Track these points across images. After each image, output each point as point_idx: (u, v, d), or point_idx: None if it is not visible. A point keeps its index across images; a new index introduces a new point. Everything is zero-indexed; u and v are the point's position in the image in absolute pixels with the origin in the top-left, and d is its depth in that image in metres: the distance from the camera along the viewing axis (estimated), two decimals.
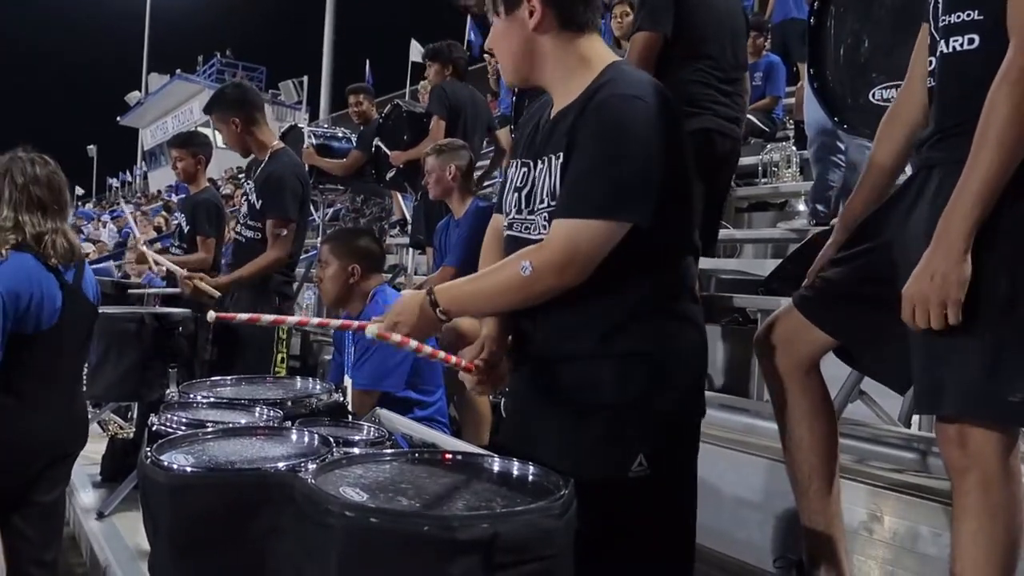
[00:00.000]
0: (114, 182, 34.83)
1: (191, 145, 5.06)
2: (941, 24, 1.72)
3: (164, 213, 13.17)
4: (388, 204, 7.04)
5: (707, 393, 1.78)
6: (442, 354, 1.68)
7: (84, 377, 3.25)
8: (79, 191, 30.90)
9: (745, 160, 6.31)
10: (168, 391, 3.62)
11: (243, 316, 1.69)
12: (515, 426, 1.87)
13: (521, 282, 1.57)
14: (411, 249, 6.72)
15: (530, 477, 1.43)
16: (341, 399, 2.11)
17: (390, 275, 6.44)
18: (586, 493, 1.38)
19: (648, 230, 1.58)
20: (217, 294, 3.74)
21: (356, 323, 1.68)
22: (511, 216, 1.77)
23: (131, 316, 3.52)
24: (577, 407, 1.65)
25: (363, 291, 3.17)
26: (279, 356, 3.89)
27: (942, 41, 1.71)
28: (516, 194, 1.76)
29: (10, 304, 2.60)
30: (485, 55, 7.46)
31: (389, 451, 1.51)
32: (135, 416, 4.46)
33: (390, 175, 5.85)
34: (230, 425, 1.68)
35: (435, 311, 1.62)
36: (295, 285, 4.33)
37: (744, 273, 4.91)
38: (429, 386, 3.09)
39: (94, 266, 8.48)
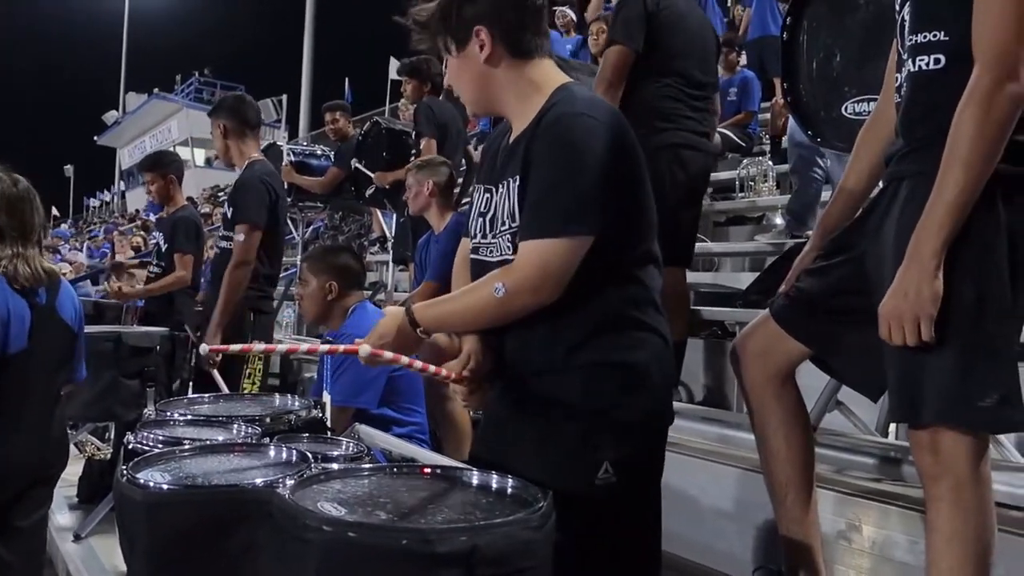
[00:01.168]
0: (92, 202, 34.56)
1: (159, 166, 5.05)
2: (908, 43, 1.76)
3: (142, 233, 13.09)
4: (367, 221, 7.03)
5: (686, 405, 1.81)
6: (432, 368, 1.72)
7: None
8: (55, 212, 30.65)
9: (722, 175, 6.39)
10: (145, 411, 3.59)
11: (235, 347, 1.70)
12: (488, 439, 1.89)
13: (496, 303, 1.63)
14: (392, 265, 6.71)
15: (509, 490, 1.43)
16: (320, 415, 2.10)
17: (371, 292, 6.43)
18: (556, 503, 1.39)
19: (609, 242, 1.63)
20: None
21: (343, 347, 1.70)
22: (476, 240, 1.82)
23: (107, 335, 3.49)
24: (546, 419, 1.69)
25: (342, 308, 3.17)
26: (247, 371, 3.87)
27: (909, 60, 1.75)
28: (481, 219, 1.80)
29: None
30: None
31: (368, 466, 1.51)
32: (112, 437, 4.41)
33: (369, 192, 5.85)
34: (207, 442, 1.67)
35: (415, 329, 1.69)
36: (274, 302, 4.30)
37: (723, 286, 4.95)
38: (408, 404, 3.09)
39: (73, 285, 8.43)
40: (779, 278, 2.17)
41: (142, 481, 1.39)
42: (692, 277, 4.77)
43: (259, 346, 1.69)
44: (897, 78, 1.83)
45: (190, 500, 1.36)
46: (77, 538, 3.58)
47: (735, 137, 6.99)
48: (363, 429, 1.96)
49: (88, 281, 8.92)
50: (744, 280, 4.84)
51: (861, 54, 3.25)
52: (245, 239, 3.73)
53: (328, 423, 2.18)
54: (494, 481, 1.46)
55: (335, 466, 1.64)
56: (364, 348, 1.61)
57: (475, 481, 1.47)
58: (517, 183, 1.68)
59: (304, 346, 1.82)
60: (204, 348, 1.65)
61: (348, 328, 3.09)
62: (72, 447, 4.92)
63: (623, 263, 1.70)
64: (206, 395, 2.25)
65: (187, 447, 1.61)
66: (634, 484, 1.70)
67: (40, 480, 2.88)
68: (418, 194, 4.23)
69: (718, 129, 6.04)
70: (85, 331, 3.41)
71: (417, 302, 1.78)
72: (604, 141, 1.62)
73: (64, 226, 27.40)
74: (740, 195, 6.19)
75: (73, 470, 4.30)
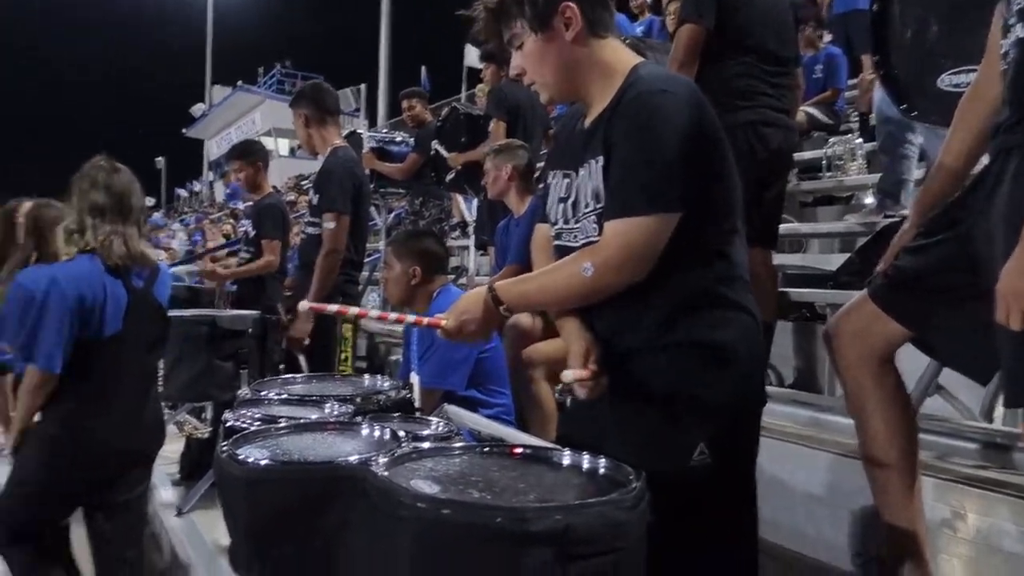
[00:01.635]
0: (182, 192, 35.74)
1: (247, 155, 5.17)
2: (1016, 7, 1.67)
3: (231, 220, 13.48)
4: (447, 206, 7.08)
5: (776, 389, 1.76)
6: (426, 320, 1.76)
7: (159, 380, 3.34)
8: (149, 201, 31.83)
9: (808, 154, 6.20)
10: (240, 392, 3.71)
11: (333, 307, 1.77)
12: (578, 420, 1.88)
13: (582, 282, 1.62)
14: (473, 250, 6.74)
15: (601, 470, 1.42)
16: (409, 395, 2.12)
17: (453, 276, 6.48)
18: (649, 484, 1.38)
19: (694, 219, 1.60)
20: None
21: (427, 319, 1.73)
22: (559, 227, 1.80)
23: (203, 319, 3.61)
24: (637, 399, 1.67)
25: (426, 292, 3.19)
26: (343, 355, 3.94)
27: (1018, 25, 1.66)
28: (561, 205, 1.79)
29: (75, 306, 2.68)
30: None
31: (459, 445, 1.51)
32: (209, 417, 4.56)
33: (449, 177, 5.88)
34: (302, 420, 1.71)
35: (497, 307, 1.68)
36: (359, 287, 4.37)
37: (812, 268, 4.81)
38: (494, 386, 3.10)
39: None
40: (872, 258, 2.10)
41: (241, 457, 1.43)
42: (779, 259, 4.66)
43: (353, 309, 1.75)
44: (1002, 45, 1.73)
45: (287, 476, 1.39)
46: (179, 512, 3.74)
47: (821, 116, 6.76)
48: (451, 409, 1.97)
49: (181, 266, 9.21)
50: (834, 261, 4.70)
51: (958, 23, 3.10)
52: (335, 227, 3.79)
53: (417, 403, 2.20)
54: (586, 461, 1.44)
55: (426, 445, 1.66)
56: (448, 322, 1.64)
57: (566, 461, 1.46)
58: (600, 163, 1.65)
59: (393, 315, 1.85)
60: (304, 305, 1.72)
61: (433, 312, 3.11)
62: (171, 427, 5.14)
63: (709, 240, 1.67)
64: (298, 375, 2.29)
65: (283, 425, 1.65)
66: (730, 465, 1.67)
67: (138, 460, 2.99)
68: (496, 179, 4.22)
69: (803, 108, 5.88)
70: (181, 315, 3.54)
71: None
72: (685, 116, 1.59)
73: (157, 215, 28.46)
74: (827, 175, 6.00)
75: (174, 448, 4.48)
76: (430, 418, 1.88)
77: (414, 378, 2.26)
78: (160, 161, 38.03)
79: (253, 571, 1.44)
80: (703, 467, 1.62)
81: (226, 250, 9.15)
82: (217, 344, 3.58)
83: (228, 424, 1.74)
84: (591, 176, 1.68)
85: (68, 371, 2.69)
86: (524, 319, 3.59)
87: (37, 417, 2.79)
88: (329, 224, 3.80)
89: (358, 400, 1.98)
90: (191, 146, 38.01)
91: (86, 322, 2.71)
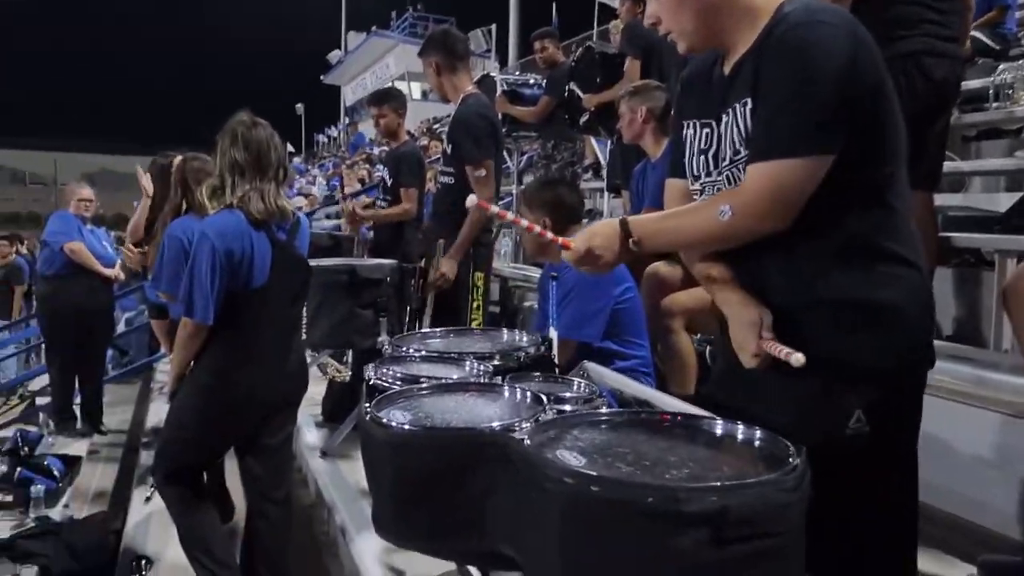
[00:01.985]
0: (320, 138, 36.83)
1: (389, 101, 5.19)
2: None
3: (367, 166, 13.79)
4: (580, 148, 6.95)
5: (935, 342, 1.61)
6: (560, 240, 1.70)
7: (303, 327, 3.45)
8: (290, 148, 33.01)
9: (972, 83, 5.68)
10: (379, 338, 3.79)
11: (495, 208, 1.85)
12: (725, 380, 1.78)
13: (719, 226, 1.52)
14: (606, 193, 6.61)
15: (756, 442, 1.34)
16: (547, 352, 2.08)
17: (587, 220, 6.38)
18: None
19: (851, 160, 1.46)
20: None
21: (562, 239, 1.72)
22: (700, 180, 1.68)
23: (343, 268, 3.68)
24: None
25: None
26: (475, 304, 3.95)
27: None
28: (701, 157, 1.66)
29: (224, 260, 2.77)
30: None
31: (604, 411, 1.46)
32: (350, 360, 4.71)
33: (583, 120, 5.75)
34: (443, 381, 1.70)
35: (627, 239, 1.62)
36: (491, 234, 4.35)
37: (975, 209, 4.44)
38: (631, 337, 3.02)
39: (308, 217, 9.04)
40: None
41: (385, 420, 1.42)
42: (939, 199, 4.32)
43: (510, 214, 1.83)
44: None
45: (432, 442, 1.38)
46: (324, 455, 3.89)
47: (986, 39, 6.18)
48: (592, 368, 1.92)
49: (322, 214, 9.53)
50: (1001, 202, 4.33)
51: None
52: (484, 174, 3.77)
53: (556, 360, 2.16)
54: (740, 432, 1.36)
55: (568, 408, 1.62)
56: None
57: (719, 431, 1.39)
58: (748, 106, 1.52)
59: (524, 221, 1.93)
60: (472, 200, 1.76)
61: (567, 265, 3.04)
62: (314, 369, 5.35)
63: (867, 186, 1.52)
64: (437, 330, 2.29)
65: (424, 385, 1.64)
66: (890, 434, 1.55)
67: (284, 405, 3.11)
68: (632, 121, 4.07)
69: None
70: (322, 264, 3.62)
71: None
72: (842, 48, 1.44)
73: (298, 160, 29.50)
74: (994, 105, 5.49)
75: (317, 390, 4.66)
76: (571, 378, 1.84)
77: (553, 334, 2.21)
78: (300, 108, 39.26)
79: (397, 534, 1.44)
80: (859, 436, 1.51)
81: (363, 196, 9.38)
82: (357, 292, 3.66)
83: (371, 382, 1.75)
84: (737, 121, 1.56)
85: (219, 322, 2.81)
86: (663, 268, 3.48)
87: (191, 366, 2.94)
88: (479, 173, 3.77)
89: (497, 358, 1.95)
90: (329, 92, 39.03)
91: (235, 275, 2.80)
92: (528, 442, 1.28)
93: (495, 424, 1.39)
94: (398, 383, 1.72)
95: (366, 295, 3.66)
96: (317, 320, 3.60)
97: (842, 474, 1.46)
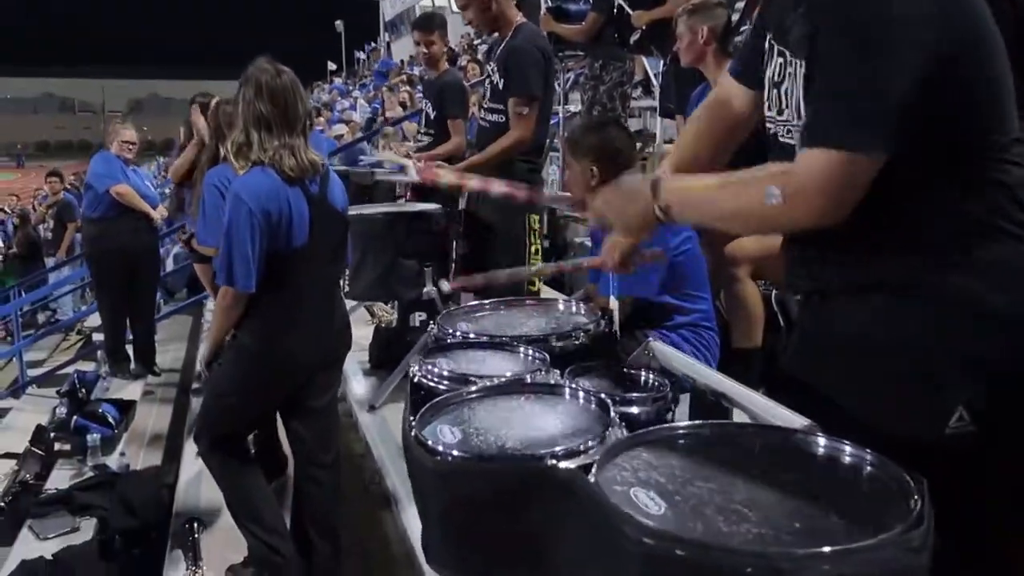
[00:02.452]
0: (361, 55, 36.20)
1: (438, 26, 4.86)
2: None
3: (407, 88, 13.44)
4: (629, 68, 6.58)
5: None
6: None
7: (344, 283, 3.30)
8: (331, 66, 32.51)
9: None
10: (425, 289, 3.63)
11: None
12: (805, 359, 1.57)
13: (763, 212, 1.28)
14: (658, 115, 6.28)
15: (867, 470, 1.13)
16: (608, 328, 1.89)
17: (640, 145, 6.07)
18: (893, 453, 1.14)
19: (955, 121, 1.24)
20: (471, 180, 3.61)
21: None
22: (772, 117, 1.45)
23: (384, 217, 3.49)
24: (880, 348, 1.35)
25: None
26: (533, 248, 3.75)
27: None
28: (775, 91, 1.43)
29: (263, 223, 2.60)
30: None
31: (681, 428, 1.27)
32: (398, 305, 4.56)
33: (634, 38, 5.40)
34: (495, 381, 1.51)
35: (655, 204, 1.42)
36: (541, 173, 4.11)
37: None
38: (691, 290, 2.80)
39: (348, 148, 8.84)
40: None
41: (431, 444, 1.25)
42: None
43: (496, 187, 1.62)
44: None
45: (485, 472, 1.21)
46: (372, 408, 3.79)
47: None
48: (659, 350, 1.72)
49: (365, 142, 9.30)
50: None
51: None
52: (529, 111, 3.53)
53: (616, 328, 1.97)
54: (846, 456, 1.16)
55: (636, 411, 1.45)
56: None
57: (819, 452, 1.19)
58: (803, 70, 1.29)
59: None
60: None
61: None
62: (362, 311, 5.23)
63: (976, 150, 1.28)
64: (486, 302, 2.10)
65: (474, 391, 1.46)
66: (997, 435, 1.34)
67: (328, 365, 2.98)
68: (692, 43, 3.73)
69: None
70: (363, 213, 3.44)
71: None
72: None
73: (339, 80, 29.10)
74: None
75: (363, 334, 4.56)
76: (637, 371, 1.64)
77: (613, 303, 2.01)
78: (339, 25, 38.55)
79: (448, 565, 1.29)
80: (963, 435, 1.31)
81: (405, 123, 9.12)
82: (400, 241, 3.48)
83: (415, 379, 1.58)
84: (795, 80, 1.33)
85: (260, 286, 2.66)
86: (746, 242, 3.22)
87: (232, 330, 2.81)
88: (522, 109, 3.53)
89: (554, 339, 1.77)
90: (368, 7, 38.18)
91: (275, 237, 2.64)
92: (597, 478, 1.10)
93: (558, 449, 1.20)
94: (445, 383, 1.54)
95: (410, 244, 3.48)
96: (360, 271, 3.45)
97: (941, 481, 1.26)
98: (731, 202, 1.35)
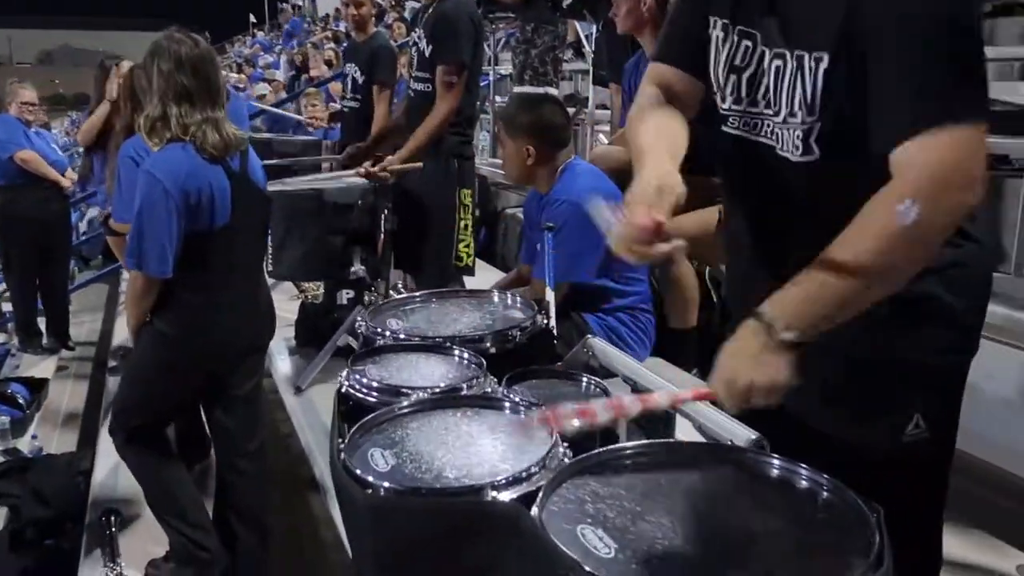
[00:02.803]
0: (285, 6, 34.98)
1: None
2: None
3: (332, 45, 13.02)
4: (562, 31, 6.47)
5: None
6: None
7: (267, 262, 3.14)
8: (252, 19, 31.32)
9: None
10: (353, 268, 3.50)
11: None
12: None
13: (908, 235, 1.08)
14: (591, 81, 6.19)
15: (823, 496, 1.09)
16: (544, 323, 1.81)
17: (573, 108, 5.96)
18: (850, 463, 1.12)
19: None
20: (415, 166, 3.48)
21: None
22: (727, 105, 1.36)
23: (309, 194, 3.33)
24: (835, 354, 1.27)
25: (548, 170, 2.80)
26: (463, 223, 3.65)
27: None
28: (734, 76, 1.34)
29: (180, 204, 2.44)
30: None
31: (628, 450, 1.20)
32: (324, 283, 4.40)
33: (567, 2, 5.27)
34: (428, 395, 1.42)
35: (779, 340, 1.13)
36: (472, 143, 3.98)
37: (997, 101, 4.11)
38: (630, 272, 2.75)
39: (275, 109, 8.52)
40: None
41: (361, 474, 1.16)
42: None
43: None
44: None
45: (421, 508, 1.12)
46: (298, 391, 3.66)
47: None
48: (598, 348, 1.66)
49: (288, 104, 8.98)
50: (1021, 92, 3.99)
51: None
52: (457, 82, 3.40)
53: (552, 322, 1.89)
54: (802, 479, 1.11)
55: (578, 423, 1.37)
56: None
57: (773, 474, 1.14)
58: (824, 64, 1.19)
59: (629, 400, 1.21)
60: None
61: (558, 193, 2.73)
62: (288, 285, 5.05)
63: None
64: (417, 295, 2.00)
65: (406, 405, 1.37)
66: (941, 437, 1.36)
67: (253, 350, 2.85)
68: (632, 11, 3.61)
69: None
70: (286, 189, 3.29)
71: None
72: None
73: (261, 35, 28.13)
74: None
75: (289, 309, 4.40)
76: (578, 375, 1.57)
77: (550, 294, 1.93)
78: None
79: None
80: (916, 443, 1.30)
81: (331, 83, 8.83)
82: (326, 218, 3.33)
83: (343, 390, 1.48)
84: (803, 76, 1.22)
85: (180, 269, 2.49)
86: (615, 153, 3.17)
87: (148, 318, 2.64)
88: (451, 79, 3.39)
89: (489, 341, 1.68)
90: None
91: (194, 218, 2.48)
92: (541, 516, 1.02)
93: (499, 479, 1.12)
94: (374, 395, 1.44)
95: (337, 221, 3.33)
96: (284, 250, 3.29)
97: (891, 488, 1.22)
98: (864, 261, 1.11)
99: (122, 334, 5.43)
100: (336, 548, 2.92)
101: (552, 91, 6.04)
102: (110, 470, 3.67)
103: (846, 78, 1.18)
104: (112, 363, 4.98)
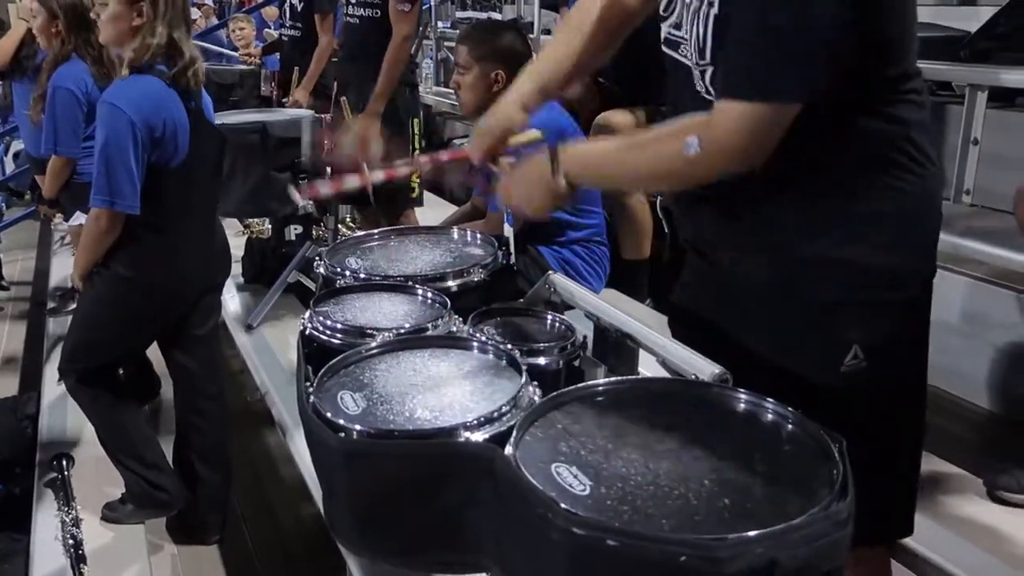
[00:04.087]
0: None
1: None
2: None
3: None
4: None
5: None
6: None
7: None
8: None
9: None
10: (299, 203, 3.41)
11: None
12: (698, 295, 1.57)
13: (683, 163, 1.24)
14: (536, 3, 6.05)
15: (787, 428, 1.12)
16: (504, 260, 1.81)
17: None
18: (792, 395, 1.15)
19: (865, 59, 1.19)
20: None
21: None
22: (669, 28, 1.38)
23: (252, 127, 3.23)
24: (772, 289, 1.37)
25: None
26: (414, 151, 3.61)
27: None
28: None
29: (145, 137, 2.35)
30: None
31: (599, 386, 1.21)
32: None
33: None
34: (395, 335, 1.42)
35: (557, 176, 1.40)
36: (417, 70, 3.91)
37: (935, 26, 4.14)
38: (584, 204, 2.75)
39: (204, 38, 8.18)
40: None
41: (331, 417, 1.15)
42: None
43: (352, 182, 1.64)
44: None
45: (394, 451, 1.12)
46: (249, 328, 3.61)
47: None
48: (560, 284, 1.66)
49: (221, 30, 8.62)
50: (965, 17, 4.04)
51: None
52: (412, 9, 3.32)
53: (512, 259, 1.89)
54: (768, 413, 1.14)
55: (544, 361, 1.39)
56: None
57: (740, 407, 1.17)
58: (714, 10, 1.22)
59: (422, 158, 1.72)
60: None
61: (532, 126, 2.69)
62: (234, 222, 4.93)
63: (874, 92, 1.25)
64: (375, 232, 1.97)
65: (374, 346, 1.36)
66: (891, 368, 1.37)
67: (209, 289, 2.80)
68: None
69: None
70: (228, 123, 3.19)
71: None
72: None
73: None
74: None
75: (235, 244, 4.30)
76: (543, 312, 1.58)
77: (508, 231, 1.92)
78: None
79: (360, 545, 1.22)
80: (856, 372, 1.34)
81: (264, 8, 8.49)
82: (271, 154, 3.23)
83: (306, 332, 1.46)
84: (699, 18, 1.26)
85: (145, 203, 2.42)
86: (616, 117, 3.15)
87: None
88: (404, 6, 3.31)
89: (451, 280, 1.67)
90: None
91: (161, 151, 2.42)
92: (516, 455, 1.04)
93: (471, 420, 1.13)
94: (339, 336, 1.43)
95: (282, 156, 3.24)
96: (228, 187, 3.19)
97: (837, 419, 1.27)
98: (646, 157, 1.31)
99: (59, 274, 5.27)
100: (297, 487, 2.93)
101: (495, 16, 5.92)
102: (58, 411, 3.62)
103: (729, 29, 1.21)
104: (51, 304, 4.84)
